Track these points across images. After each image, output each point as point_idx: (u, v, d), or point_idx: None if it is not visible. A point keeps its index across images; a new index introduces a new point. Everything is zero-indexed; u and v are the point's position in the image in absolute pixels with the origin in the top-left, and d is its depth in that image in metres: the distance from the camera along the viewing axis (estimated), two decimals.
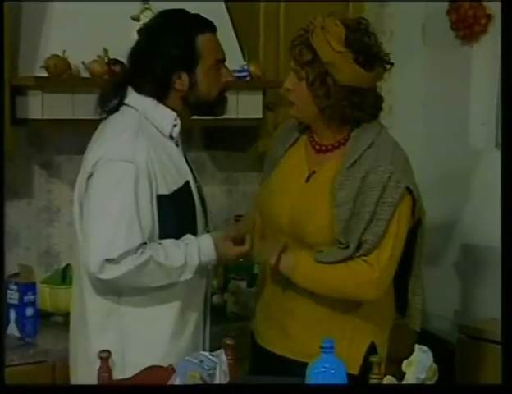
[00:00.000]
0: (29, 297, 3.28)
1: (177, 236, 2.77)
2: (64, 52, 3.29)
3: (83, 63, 3.35)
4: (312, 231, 2.83)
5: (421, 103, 4.40)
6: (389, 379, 2.36)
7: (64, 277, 3.51)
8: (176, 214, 2.76)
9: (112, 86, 2.85)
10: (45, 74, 3.27)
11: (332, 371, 2.17)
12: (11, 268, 3.43)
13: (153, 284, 2.73)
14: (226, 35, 3.38)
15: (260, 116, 3.66)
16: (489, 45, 4.19)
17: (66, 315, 3.45)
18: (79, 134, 3.67)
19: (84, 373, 2.81)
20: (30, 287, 3.30)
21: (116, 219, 2.65)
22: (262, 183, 3.04)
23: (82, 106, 3.32)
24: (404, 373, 2.33)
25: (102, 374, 2.61)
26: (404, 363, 2.34)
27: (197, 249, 2.75)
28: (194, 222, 2.82)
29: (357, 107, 2.82)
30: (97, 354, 2.68)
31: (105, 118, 2.82)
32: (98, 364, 2.66)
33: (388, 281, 2.84)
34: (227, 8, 3.66)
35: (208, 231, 2.88)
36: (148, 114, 2.77)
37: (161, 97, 2.78)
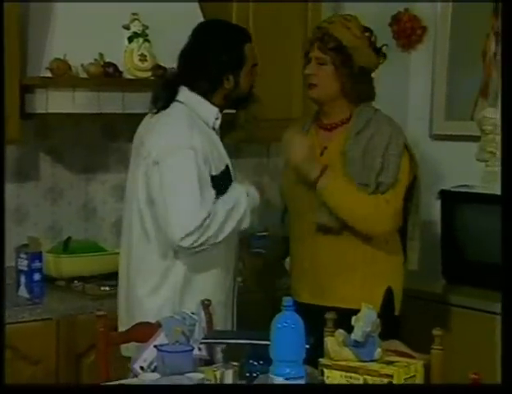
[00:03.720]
0: (36, 264, 3.27)
1: None
2: (65, 55, 3.27)
3: (81, 65, 3.33)
4: None
5: None
6: (339, 332, 2.38)
7: (65, 247, 3.49)
8: (222, 193, 2.81)
9: (164, 86, 2.90)
10: (49, 74, 3.26)
11: (293, 326, 2.15)
12: (21, 239, 3.42)
13: (224, 232, 2.76)
14: None
15: (233, 111, 3.63)
16: (424, 53, 4.26)
17: (68, 280, 3.47)
18: (78, 125, 3.68)
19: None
20: (37, 256, 3.29)
21: (188, 198, 2.70)
22: (282, 175, 3.09)
23: (81, 102, 3.31)
24: (352, 327, 2.35)
25: (100, 329, 2.61)
26: (353, 318, 2.35)
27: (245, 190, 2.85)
28: None
29: (369, 85, 2.95)
30: (153, 308, 2.77)
31: (155, 113, 2.85)
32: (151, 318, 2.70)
33: (398, 218, 2.88)
34: (201, 8, 3.54)
35: None
36: (195, 109, 2.83)
37: (209, 94, 2.85)
